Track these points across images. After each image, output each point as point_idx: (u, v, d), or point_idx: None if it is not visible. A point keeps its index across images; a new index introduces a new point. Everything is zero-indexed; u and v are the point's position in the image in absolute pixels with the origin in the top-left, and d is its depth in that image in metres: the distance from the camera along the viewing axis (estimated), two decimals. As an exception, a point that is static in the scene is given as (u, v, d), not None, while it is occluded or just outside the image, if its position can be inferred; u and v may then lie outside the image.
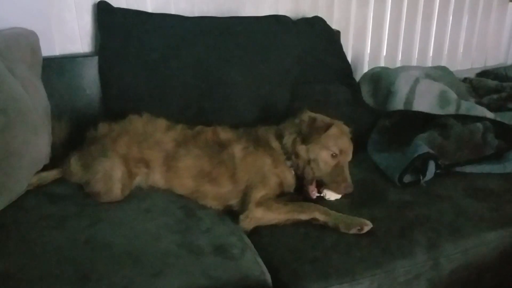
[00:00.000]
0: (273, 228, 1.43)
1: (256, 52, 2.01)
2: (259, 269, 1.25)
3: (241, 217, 1.45)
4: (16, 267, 1.18)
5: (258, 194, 1.48)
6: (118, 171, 1.51)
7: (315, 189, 1.55)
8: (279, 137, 1.61)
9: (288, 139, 1.58)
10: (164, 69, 1.88)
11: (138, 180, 1.58)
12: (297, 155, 1.55)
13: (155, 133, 1.62)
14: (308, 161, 1.54)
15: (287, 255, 1.31)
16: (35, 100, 1.58)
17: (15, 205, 1.42)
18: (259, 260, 1.30)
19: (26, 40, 1.71)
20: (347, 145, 1.58)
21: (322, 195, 1.55)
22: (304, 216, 1.43)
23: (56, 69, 1.85)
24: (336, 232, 1.38)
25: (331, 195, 1.55)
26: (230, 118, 1.84)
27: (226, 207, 1.54)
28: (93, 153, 1.55)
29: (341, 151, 1.54)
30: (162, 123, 1.67)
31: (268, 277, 1.24)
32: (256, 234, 1.43)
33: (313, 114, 1.58)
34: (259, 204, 1.46)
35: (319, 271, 1.24)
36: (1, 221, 1.34)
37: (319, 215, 1.42)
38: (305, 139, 1.53)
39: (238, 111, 1.94)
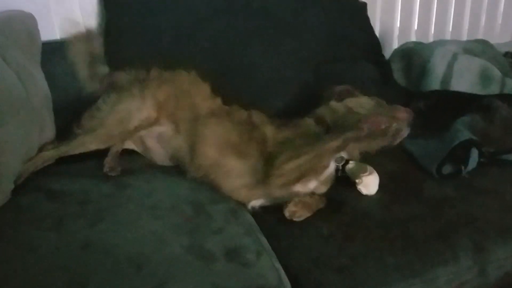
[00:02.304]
0: (293, 229, 1.29)
1: (278, 30, 1.87)
2: (277, 277, 1.10)
3: (273, 176, 1.31)
4: (2, 275, 1.06)
5: (287, 155, 1.33)
6: (144, 112, 1.47)
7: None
8: (318, 121, 1.50)
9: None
10: (177, 51, 1.75)
11: (161, 130, 1.53)
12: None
13: (196, 96, 1.57)
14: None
15: (310, 261, 1.16)
16: (31, 90, 1.45)
17: (9, 204, 1.30)
18: (278, 266, 1.15)
19: (22, 24, 1.58)
20: None
21: (358, 188, 1.42)
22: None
23: (58, 54, 1.70)
24: (366, 234, 1.22)
25: (364, 188, 1.41)
26: (250, 104, 1.67)
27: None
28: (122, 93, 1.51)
29: None
30: (206, 89, 1.61)
31: (287, 287, 1.10)
32: (274, 236, 1.28)
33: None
34: (289, 158, 1.31)
35: (346, 281, 1.09)
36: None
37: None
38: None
39: (260, 95, 1.79)
